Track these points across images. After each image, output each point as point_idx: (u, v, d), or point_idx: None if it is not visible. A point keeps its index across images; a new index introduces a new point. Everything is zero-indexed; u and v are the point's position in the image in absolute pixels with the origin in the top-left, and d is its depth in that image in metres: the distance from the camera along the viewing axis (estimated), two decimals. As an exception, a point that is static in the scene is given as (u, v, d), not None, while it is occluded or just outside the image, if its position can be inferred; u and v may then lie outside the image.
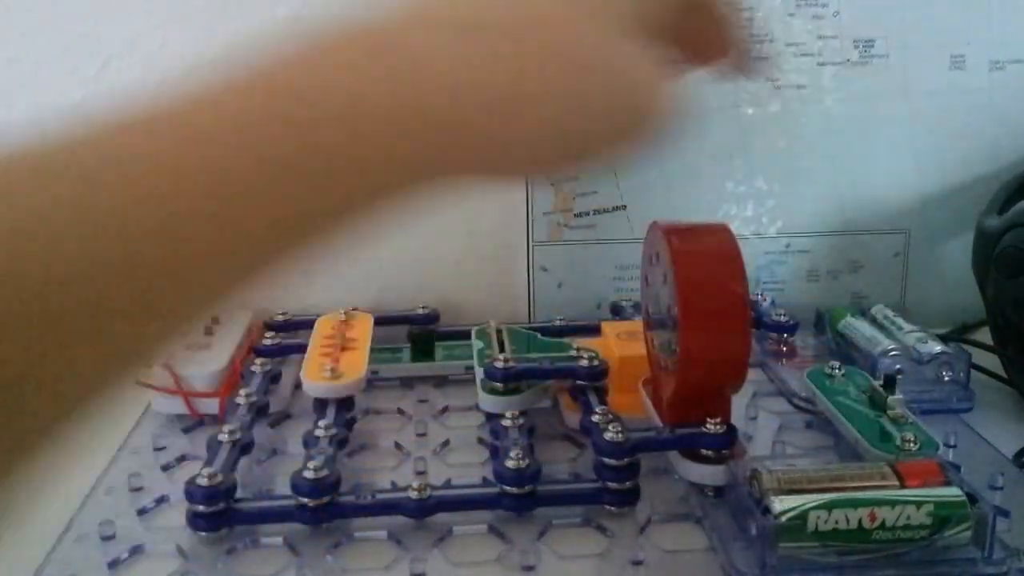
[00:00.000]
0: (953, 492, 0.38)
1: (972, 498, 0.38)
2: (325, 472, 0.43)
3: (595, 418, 0.46)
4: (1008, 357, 0.56)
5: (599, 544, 0.42)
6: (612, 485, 0.44)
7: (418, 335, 0.62)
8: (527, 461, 0.43)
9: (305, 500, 0.42)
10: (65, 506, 0.45)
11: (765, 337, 0.62)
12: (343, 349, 0.55)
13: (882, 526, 0.37)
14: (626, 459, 0.43)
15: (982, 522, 0.38)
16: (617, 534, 0.43)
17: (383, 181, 0.27)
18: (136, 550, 0.42)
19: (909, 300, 0.69)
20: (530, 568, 0.40)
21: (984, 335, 0.59)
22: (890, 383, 0.49)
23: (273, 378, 0.57)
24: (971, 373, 0.54)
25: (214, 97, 0.25)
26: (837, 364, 0.53)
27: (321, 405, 0.52)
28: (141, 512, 0.45)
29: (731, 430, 0.45)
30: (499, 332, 0.58)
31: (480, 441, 0.52)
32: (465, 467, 0.49)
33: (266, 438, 0.52)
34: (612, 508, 0.44)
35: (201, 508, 0.42)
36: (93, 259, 0.21)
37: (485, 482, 0.46)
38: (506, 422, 0.48)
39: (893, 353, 0.54)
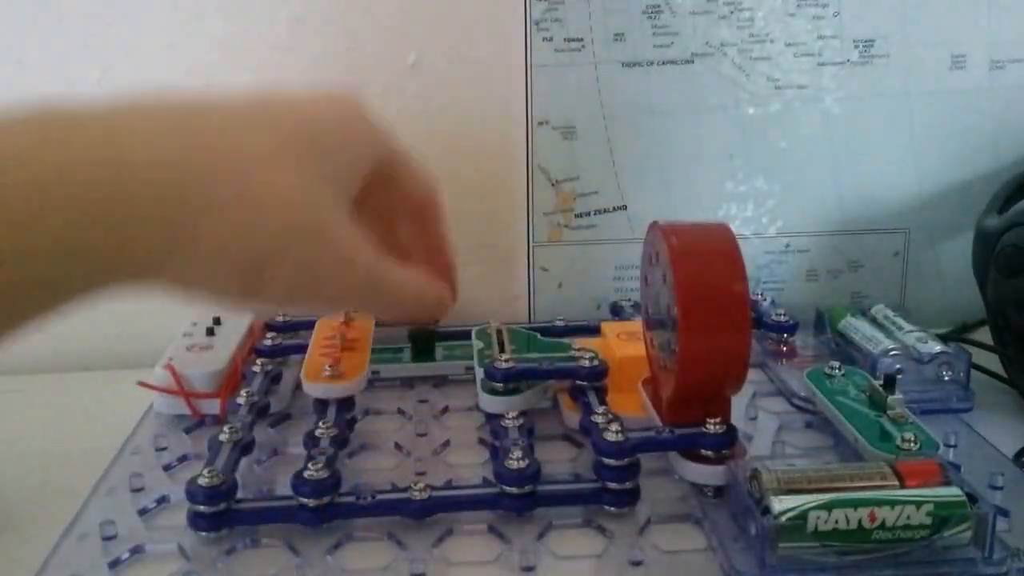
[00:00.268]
0: (953, 492, 0.38)
1: (972, 498, 0.38)
2: (325, 472, 0.43)
3: (595, 418, 0.46)
4: (1008, 357, 0.56)
5: (599, 544, 0.42)
6: (612, 485, 0.44)
7: (418, 335, 0.62)
8: (527, 461, 0.44)
9: (305, 500, 0.42)
10: (66, 506, 0.45)
11: (765, 337, 0.62)
12: (343, 349, 0.55)
13: (882, 526, 0.37)
14: (626, 459, 0.43)
15: (982, 522, 0.38)
16: (617, 534, 0.43)
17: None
18: (137, 550, 0.42)
19: (909, 300, 0.69)
20: (530, 568, 0.40)
21: (984, 335, 0.59)
22: (890, 383, 0.49)
23: (274, 378, 0.57)
24: (971, 373, 0.54)
25: None
26: (837, 364, 0.53)
27: (322, 405, 0.52)
28: (142, 512, 0.45)
29: (731, 430, 0.45)
30: (499, 332, 0.58)
31: (480, 441, 0.52)
32: (465, 467, 0.49)
33: (267, 438, 0.52)
34: (612, 508, 0.44)
35: (202, 508, 0.42)
36: None
37: (485, 482, 0.46)
38: (506, 422, 0.48)
39: (893, 353, 0.54)
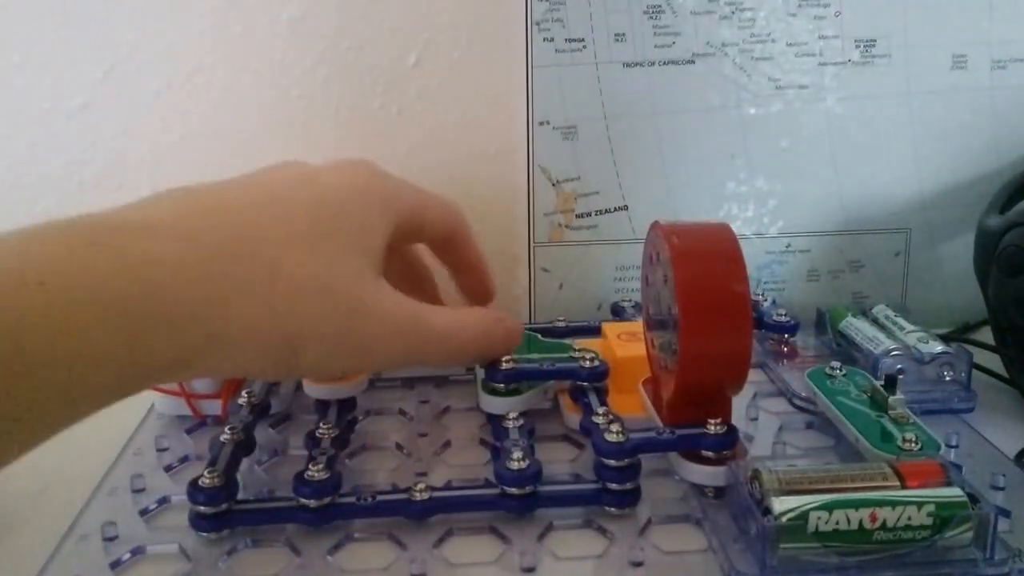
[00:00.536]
0: (954, 492, 0.38)
1: (973, 498, 0.38)
2: (326, 473, 0.43)
3: (596, 419, 0.46)
4: (1010, 357, 0.56)
5: (599, 545, 0.42)
6: (612, 486, 0.44)
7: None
8: (528, 462, 0.44)
9: (306, 501, 0.42)
10: (67, 507, 0.45)
11: (766, 337, 0.62)
12: (344, 350, 0.55)
13: (883, 527, 0.37)
14: (626, 460, 0.43)
15: (984, 523, 0.38)
16: (617, 535, 0.43)
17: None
18: (138, 551, 0.42)
19: (910, 300, 0.69)
20: (530, 569, 0.40)
21: (986, 335, 0.59)
22: (891, 383, 0.49)
23: (275, 379, 0.57)
24: (973, 373, 0.54)
25: None
26: (838, 364, 0.53)
27: (322, 406, 0.52)
28: (143, 513, 0.45)
29: (732, 431, 0.45)
30: (500, 333, 0.58)
31: (481, 442, 0.52)
32: (466, 468, 0.49)
33: (268, 439, 0.52)
34: (612, 509, 0.44)
35: (203, 509, 0.42)
36: None
37: (486, 483, 0.46)
38: (507, 423, 0.48)
39: (894, 353, 0.54)
